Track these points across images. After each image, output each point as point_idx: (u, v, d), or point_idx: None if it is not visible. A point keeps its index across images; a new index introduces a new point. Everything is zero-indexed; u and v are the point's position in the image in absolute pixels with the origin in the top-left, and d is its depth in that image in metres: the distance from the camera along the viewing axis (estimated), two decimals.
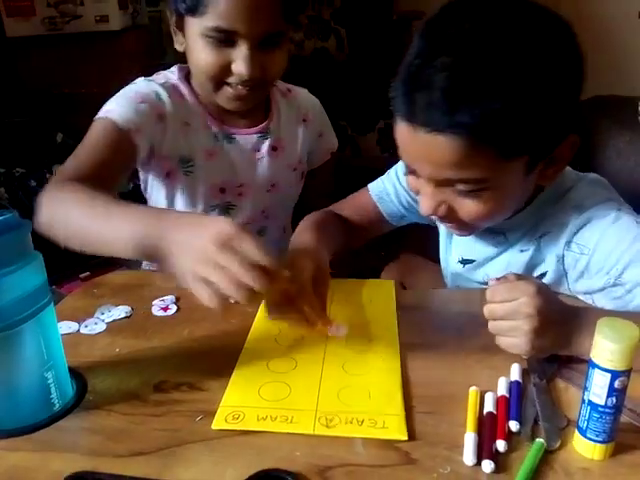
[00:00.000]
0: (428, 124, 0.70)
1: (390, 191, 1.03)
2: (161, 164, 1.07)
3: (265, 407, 0.65)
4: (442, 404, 0.66)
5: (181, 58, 1.05)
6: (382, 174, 1.06)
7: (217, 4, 0.91)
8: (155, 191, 1.12)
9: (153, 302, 0.88)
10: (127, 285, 0.95)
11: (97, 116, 0.98)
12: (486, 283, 0.79)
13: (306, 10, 2.69)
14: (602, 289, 0.79)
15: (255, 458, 0.58)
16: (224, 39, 0.93)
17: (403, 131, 0.73)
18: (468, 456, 0.57)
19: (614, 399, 0.55)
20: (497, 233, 0.89)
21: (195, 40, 0.96)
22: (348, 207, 1.07)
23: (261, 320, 0.83)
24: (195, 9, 0.93)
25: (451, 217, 0.79)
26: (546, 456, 0.58)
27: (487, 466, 0.56)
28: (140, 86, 1.03)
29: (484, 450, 0.58)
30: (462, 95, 0.67)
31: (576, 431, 0.59)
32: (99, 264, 1.81)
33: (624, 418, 0.60)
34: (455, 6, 0.73)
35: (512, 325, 0.68)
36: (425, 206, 0.79)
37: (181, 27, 1.00)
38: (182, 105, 1.05)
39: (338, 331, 0.78)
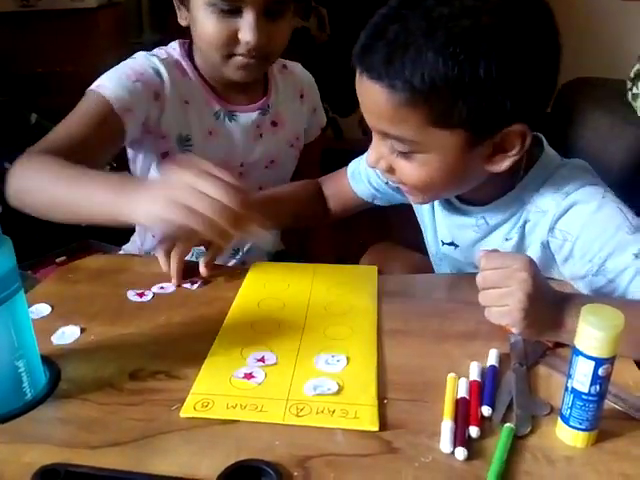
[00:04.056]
0: (369, 70, 0.72)
1: (361, 170, 1.05)
2: (157, 143, 1.05)
3: (235, 395, 0.64)
4: (424, 391, 0.65)
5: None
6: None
7: None
8: (147, 171, 1.10)
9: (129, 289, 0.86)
10: (103, 270, 0.93)
11: (88, 89, 0.96)
12: (475, 266, 0.78)
13: None
14: (584, 277, 0.78)
15: (233, 448, 0.57)
16: (229, 8, 0.93)
17: (356, 78, 0.75)
18: (445, 444, 0.57)
19: (598, 387, 0.55)
20: (477, 217, 0.88)
21: (200, 11, 0.96)
22: (330, 184, 1.12)
23: (238, 306, 0.81)
24: None
25: (393, 176, 0.81)
26: (528, 444, 0.58)
27: (460, 453, 0.55)
28: (138, 62, 1.01)
29: (457, 437, 0.57)
30: (405, 49, 0.68)
31: (559, 419, 0.59)
32: (76, 249, 1.78)
33: (608, 404, 0.59)
34: None
35: (505, 292, 0.67)
36: (369, 156, 0.81)
37: (184, 1, 1.00)
38: (183, 82, 1.04)
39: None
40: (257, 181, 1.13)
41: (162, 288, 0.86)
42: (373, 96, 0.72)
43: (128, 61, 1.02)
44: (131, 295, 0.84)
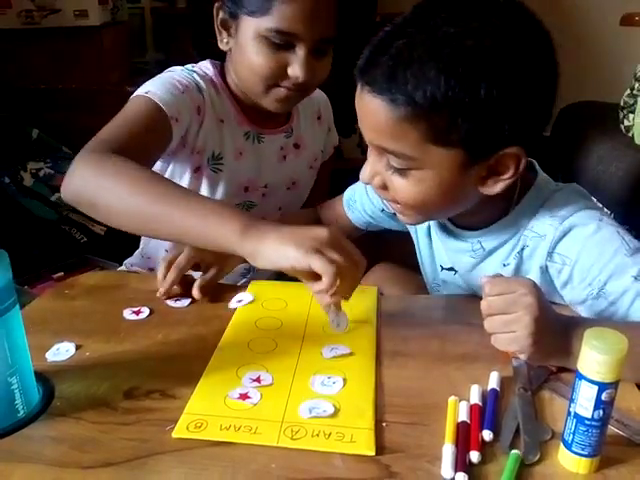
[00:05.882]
0: (371, 84, 0.72)
1: (357, 199, 1.06)
2: (191, 158, 1.05)
3: (230, 416, 0.63)
4: (424, 414, 0.64)
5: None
6: None
7: (281, 6, 0.91)
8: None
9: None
10: (100, 286, 0.92)
11: (135, 94, 0.95)
12: (475, 291, 0.77)
13: None
14: (584, 301, 0.77)
15: (228, 471, 0.56)
16: (283, 42, 0.93)
17: (357, 91, 0.75)
18: (446, 469, 0.55)
19: (601, 412, 0.54)
20: (473, 242, 0.87)
21: (250, 41, 0.95)
22: (328, 212, 1.13)
23: (235, 325, 0.80)
24: (257, 10, 0.92)
25: (386, 193, 0.80)
26: (530, 470, 0.56)
27: (461, 479, 0.54)
28: (181, 75, 1.01)
29: (458, 462, 0.56)
30: (408, 65, 0.68)
31: (561, 444, 0.57)
32: (74, 264, 1.77)
33: (610, 430, 0.58)
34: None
35: (511, 318, 0.67)
36: (364, 172, 0.80)
37: (227, 26, 0.99)
38: (218, 101, 1.05)
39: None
40: (278, 202, 1.15)
41: (178, 300, 0.87)
42: (373, 110, 0.72)
43: (169, 73, 1.01)
44: (127, 313, 0.83)
